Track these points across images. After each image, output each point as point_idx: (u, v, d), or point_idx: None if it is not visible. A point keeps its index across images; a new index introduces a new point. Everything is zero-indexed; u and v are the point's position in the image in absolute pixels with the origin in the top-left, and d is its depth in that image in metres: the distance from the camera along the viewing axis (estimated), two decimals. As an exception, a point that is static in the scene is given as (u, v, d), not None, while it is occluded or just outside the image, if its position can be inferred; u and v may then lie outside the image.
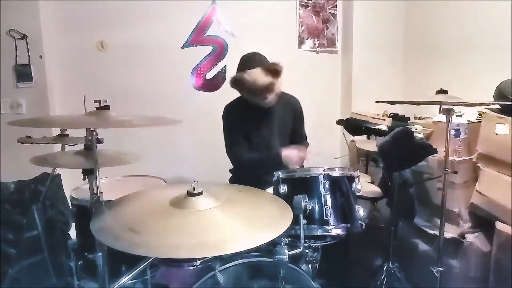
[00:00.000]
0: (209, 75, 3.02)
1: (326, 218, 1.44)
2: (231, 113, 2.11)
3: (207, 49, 2.98)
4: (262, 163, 2.01)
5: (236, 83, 1.97)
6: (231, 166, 2.21)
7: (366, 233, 1.53)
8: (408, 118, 2.90)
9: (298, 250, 1.34)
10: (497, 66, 2.40)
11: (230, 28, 3.00)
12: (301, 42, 3.23)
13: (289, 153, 1.96)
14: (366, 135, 2.49)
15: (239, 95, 2.18)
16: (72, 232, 2.16)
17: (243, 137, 2.08)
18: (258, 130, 2.09)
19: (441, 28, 2.97)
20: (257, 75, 1.94)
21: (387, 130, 2.22)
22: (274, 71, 1.95)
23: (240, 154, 2.06)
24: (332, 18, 3.29)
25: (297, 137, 2.22)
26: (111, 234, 1.04)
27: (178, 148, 2.96)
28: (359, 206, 1.50)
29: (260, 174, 2.03)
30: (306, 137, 2.31)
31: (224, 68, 3.03)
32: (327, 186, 1.47)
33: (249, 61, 2.00)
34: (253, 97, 1.99)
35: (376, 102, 2.15)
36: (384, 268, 2.02)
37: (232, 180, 2.23)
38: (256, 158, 2.04)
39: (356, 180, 1.54)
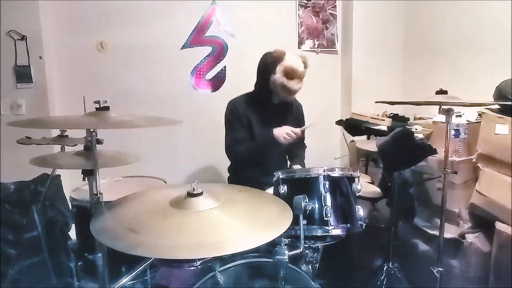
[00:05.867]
0: (209, 76, 3.02)
1: (326, 219, 1.44)
2: (235, 110, 2.09)
3: (207, 49, 2.98)
4: (258, 149, 2.02)
5: (277, 58, 1.96)
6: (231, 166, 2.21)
7: (366, 233, 1.53)
8: (408, 119, 2.90)
9: (298, 251, 1.34)
10: (497, 66, 2.40)
11: (230, 29, 3.00)
12: (300, 43, 3.23)
13: (280, 130, 1.97)
14: (366, 136, 2.49)
15: (236, 95, 2.18)
16: (72, 233, 2.16)
17: (245, 135, 2.07)
18: (260, 128, 2.08)
19: (441, 28, 2.97)
20: (298, 58, 2.00)
21: (387, 130, 2.22)
22: (305, 64, 2.02)
23: (241, 152, 2.05)
24: (332, 18, 3.29)
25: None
26: (111, 235, 1.04)
27: (178, 148, 2.96)
28: (359, 206, 1.50)
29: (259, 170, 2.03)
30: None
31: (223, 68, 3.03)
32: (327, 186, 1.47)
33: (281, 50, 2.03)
34: (286, 79, 1.97)
35: (376, 102, 2.16)
36: (384, 269, 2.02)
37: (231, 179, 2.23)
38: (252, 146, 2.03)
39: (356, 180, 1.54)
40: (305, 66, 2.01)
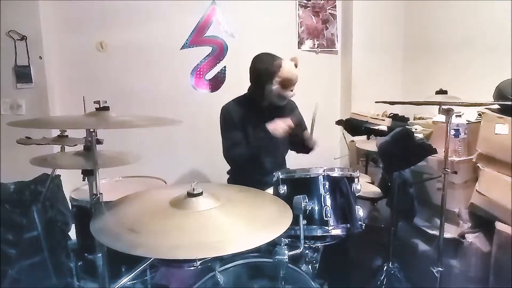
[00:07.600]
0: (209, 76, 3.02)
1: (326, 219, 1.44)
2: (229, 114, 2.08)
3: (207, 49, 2.98)
4: (257, 151, 2.03)
5: (275, 70, 1.96)
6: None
7: (366, 233, 1.53)
8: (408, 118, 2.90)
9: (298, 251, 1.34)
10: (497, 66, 2.40)
11: (229, 29, 3.00)
12: (300, 43, 3.23)
13: (274, 125, 1.97)
14: (365, 136, 2.49)
15: (236, 95, 2.17)
16: (72, 233, 2.16)
17: (242, 139, 2.06)
18: (257, 132, 2.07)
19: (441, 28, 2.97)
20: (292, 66, 1.99)
21: (386, 130, 2.22)
22: (296, 65, 2.02)
23: (239, 156, 2.04)
24: (332, 18, 3.29)
25: (298, 139, 2.16)
26: (111, 235, 1.04)
27: (178, 148, 2.96)
28: (359, 207, 1.50)
29: (260, 172, 2.03)
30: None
31: (223, 68, 3.03)
32: (327, 186, 1.47)
33: (273, 55, 2.02)
34: (282, 88, 1.99)
35: (376, 102, 2.16)
36: (384, 269, 2.02)
37: (230, 181, 2.22)
38: (252, 152, 2.03)
39: (356, 180, 1.55)
40: (296, 66, 2.02)
